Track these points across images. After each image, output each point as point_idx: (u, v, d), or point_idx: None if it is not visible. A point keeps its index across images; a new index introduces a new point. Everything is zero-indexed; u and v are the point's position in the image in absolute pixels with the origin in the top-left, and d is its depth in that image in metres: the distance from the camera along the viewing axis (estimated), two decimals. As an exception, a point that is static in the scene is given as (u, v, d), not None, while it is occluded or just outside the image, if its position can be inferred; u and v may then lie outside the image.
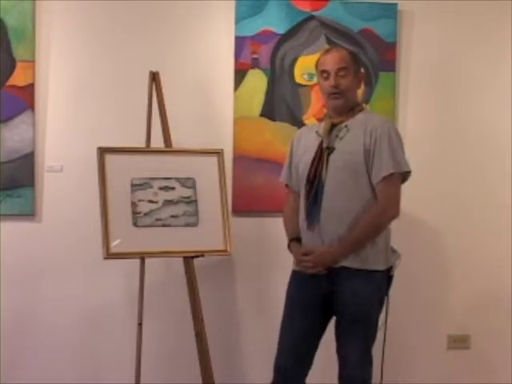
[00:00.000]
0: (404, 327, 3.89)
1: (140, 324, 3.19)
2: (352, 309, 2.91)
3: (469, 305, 3.94)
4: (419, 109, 3.87)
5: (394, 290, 3.83)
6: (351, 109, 2.98)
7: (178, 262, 3.37)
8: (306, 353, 3.02)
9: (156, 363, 3.62)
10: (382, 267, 2.93)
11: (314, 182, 2.96)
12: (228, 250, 3.35)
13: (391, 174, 2.88)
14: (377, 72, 3.78)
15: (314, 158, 2.98)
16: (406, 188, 3.83)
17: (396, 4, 3.77)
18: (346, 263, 2.90)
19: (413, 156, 3.84)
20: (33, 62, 3.51)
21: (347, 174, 2.90)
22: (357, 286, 2.89)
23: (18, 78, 3.50)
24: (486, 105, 3.92)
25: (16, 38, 3.49)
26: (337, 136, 2.95)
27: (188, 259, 3.31)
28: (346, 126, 2.96)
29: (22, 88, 3.51)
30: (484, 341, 3.95)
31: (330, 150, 2.95)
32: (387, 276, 2.97)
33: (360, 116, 2.97)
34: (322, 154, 2.96)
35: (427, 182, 3.88)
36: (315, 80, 3.67)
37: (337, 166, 2.92)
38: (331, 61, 2.96)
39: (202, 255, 3.30)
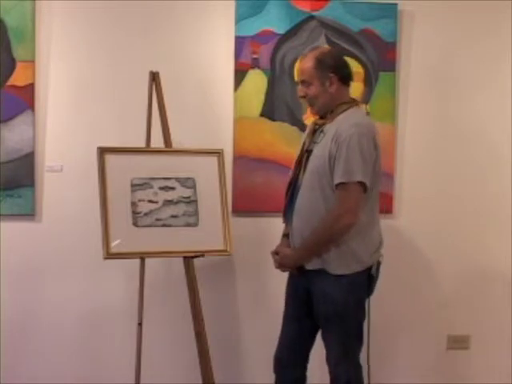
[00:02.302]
0: (404, 327, 3.90)
1: (140, 324, 3.19)
2: (322, 309, 2.95)
3: (469, 305, 3.94)
4: (419, 109, 3.87)
5: (394, 291, 3.85)
6: (332, 111, 2.97)
7: (178, 262, 3.37)
8: (300, 345, 3.09)
9: (156, 363, 3.62)
10: (348, 270, 2.90)
11: (292, 184, 3.03)
12: (228, 250, 3.36)
13: (344, 183, 2.84)
14: (377, 72, 3.78)
15: (297, 160, 3.05)
16: (405, 187, 3.87)
17: (396, 4, 3.77)
18: (309, 266, 2.96)
19: (412, 156, 3.88)
20: (33, 62, 3.51)
21: (315, 179, 2.92)
22: (326, 286, 2.92)
23: (18, 78, 3.50)
24: (486, 105, 3.92)
25: (16, 38, 3.48)
26: (316, 139, 2.99)
27: (188, 259, 3.31)
28: (322, 131, 2.97)
29: (22, 88, 3.50)
30: (484, 341, 3.95)
31: (309, 153, 2.99)
32: (367, 275, 2.96)
33: (339, 118, 2.94)
34: (303, 157, 3.01)
35: (427, 181, 3.89)
36: (315, 80, 3.68)
37: (310, 169, 2.95)
38: (296, 71, 3.07)
39: (202, 255, 3.30)
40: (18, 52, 3.49)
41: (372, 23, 3.76)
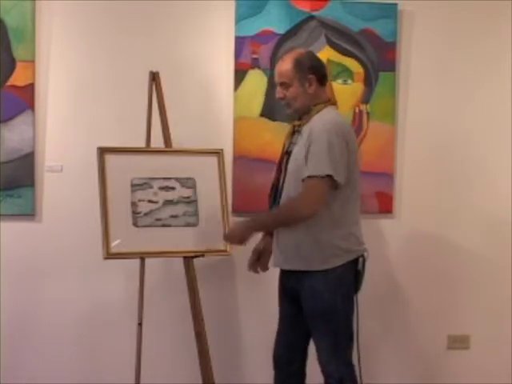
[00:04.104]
0: (404, 327, 3.90)
1: (140, 324, 3.19)
2: (309, 307, 2.97)
3: (469, 305, 3.94)
4: (419, 109, 3.87)
5: (394, 290, 3.84)
6: (309, 111, 2.99)
7: (178, 262, 3.37)
8: (295, 342, 3.11)
9: (156, 363, 3.62)
10: (330, 265, 2.91)
11: (275, 186, 3.07)
12: (228, 250, 3.36)
13: (310, 177, 2.87)
14: (377, 72, 3.78)
15: (278, 162, 3.09)
16: (405, 187, 3.87)
17: (396, 4, 3.78)
18: (289, 267, 3.00)
19: (413, 156, 3.88)
20: (33, 62, 3.51)
21: (295, 179, 2.95)
22: (312, 284, 2.93)
23: (18, 78, 3.50)
24: (487, 104, 3.92)
25: (16, 38, 3.48)
26: (294, 141, 3.03)
27: (188, 259, 3.31)
28: (299, 131, 3.00)
29: (22, 88, 3.50)
30: (484, 341, 3.95)
31: (289, 154, 3.02)
32: (354, 271, 2.97)
33: (314, 118, 2.97)
34: (283, 159, 3.05)
35: (427, 181, 3.89)
36: (315, 80, 3.68)
37: (290, 170, 2.99)
38: (276, 73, 3.07)
39: (202, 255, 3.30)
40: (18, 52, 3.49)
41: (372, 23, 3.76)
